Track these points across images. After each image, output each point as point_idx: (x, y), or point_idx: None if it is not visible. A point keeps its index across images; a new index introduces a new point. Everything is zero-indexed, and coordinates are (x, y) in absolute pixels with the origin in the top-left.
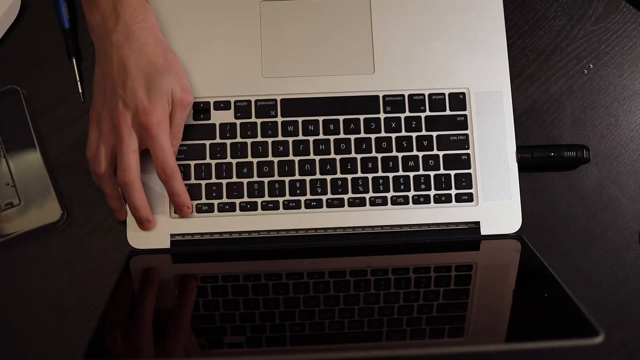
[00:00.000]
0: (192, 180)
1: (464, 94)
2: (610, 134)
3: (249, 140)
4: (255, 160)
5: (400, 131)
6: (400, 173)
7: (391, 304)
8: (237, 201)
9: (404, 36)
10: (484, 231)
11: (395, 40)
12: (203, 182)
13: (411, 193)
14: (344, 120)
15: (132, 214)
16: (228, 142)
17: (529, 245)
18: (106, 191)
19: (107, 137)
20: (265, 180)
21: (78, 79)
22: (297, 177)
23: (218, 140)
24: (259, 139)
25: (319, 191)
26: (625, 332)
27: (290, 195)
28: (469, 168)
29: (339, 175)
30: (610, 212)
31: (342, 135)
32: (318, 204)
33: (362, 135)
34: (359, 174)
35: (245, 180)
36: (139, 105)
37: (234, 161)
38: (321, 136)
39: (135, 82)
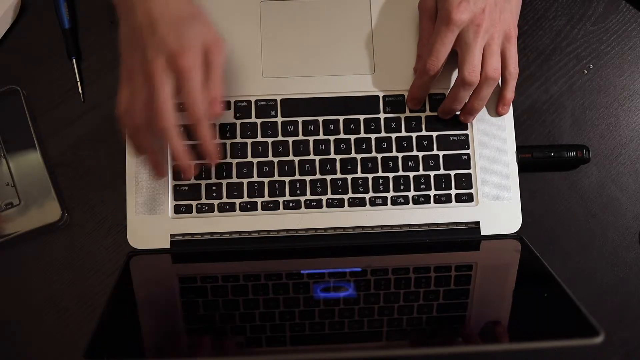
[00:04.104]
0: (192, 181)
1: None
2: (610, 134)
3: (249, 140)
4: (255, 160)
5: (400, 131)
6: (400, 173)
7: (391, 304)
8: (237, 201)
9: (404, 36)
10: (484, 231)
11: (395, 40)
12: (203, 182)
13: (411, 193)
14: (344, 120)
15: (174, 164)
16: (228, 142)
17: (529, 245)
18: (143, 145)
19: (139, 90)
20: (265, 180)
21: (78, 79)
22: (297, 177)
23: (218, 140)
24: (259, 139)
25: (319, 191)
26: (625, 332)
27: (290, 195)
28: (469, 168)
29: (339, 175)
30: (610, 212)
31: (342, 135)
32: (318, 204)
33: (362, 135)
34: (359, 174)
35: (245, 180)
36: (171, 49)
37: (234, 161)
38: (321, 136)
39: (164, 29)
